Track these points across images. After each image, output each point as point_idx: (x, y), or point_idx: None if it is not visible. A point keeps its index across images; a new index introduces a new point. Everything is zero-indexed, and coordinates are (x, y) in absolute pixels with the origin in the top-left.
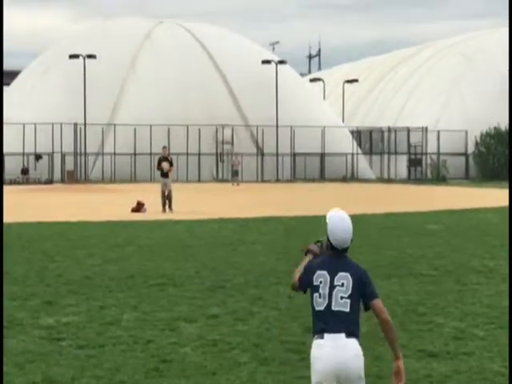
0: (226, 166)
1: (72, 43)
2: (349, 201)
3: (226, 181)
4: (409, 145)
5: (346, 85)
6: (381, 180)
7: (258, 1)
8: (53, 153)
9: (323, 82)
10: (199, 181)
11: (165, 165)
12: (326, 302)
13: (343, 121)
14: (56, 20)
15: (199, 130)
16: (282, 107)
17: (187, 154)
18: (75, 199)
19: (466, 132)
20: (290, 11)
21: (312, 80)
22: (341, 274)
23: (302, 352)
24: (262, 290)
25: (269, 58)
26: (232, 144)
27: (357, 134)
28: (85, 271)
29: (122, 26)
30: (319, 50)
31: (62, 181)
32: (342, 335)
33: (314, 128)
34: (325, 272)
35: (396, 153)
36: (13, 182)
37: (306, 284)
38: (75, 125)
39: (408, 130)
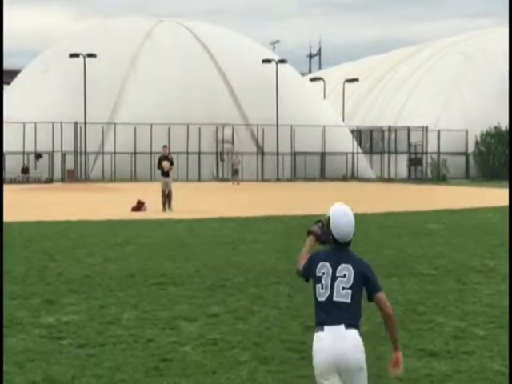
0: (226, 165)
1: (72, 42)
2: (349, 200)
3: (227, 180)
4: (409, 144)
5: (346, 84)
6: (381, 179)
7: (258, 0)
8: (53, 152)
9: (323, 81)
10: (199, 180)
11: (165, 164)
12: (328, 292)
13: (343, 120)
14: (56, 19)
15: (199, 129)
16: (282, 106)
17: (187, 153)
18: (75, 198)
19: (467, 131)
20: (291, 10)
21: (312, 79)
22: (343, 265)
23: (302, 351)
24: (262, 289)
25: (269, 57)
26: (232, 143)
27: (357, 134)
28: (85, 270)
29: (122, 25)
30: (319, 50)
31: (63, 180)
32: (341, 326)
33: (315, 127)
34: (327, 263)
35: (396, 152)
36: (13, 181)
37: (308, 274)
38: (75, 124)
39: (408, 129)
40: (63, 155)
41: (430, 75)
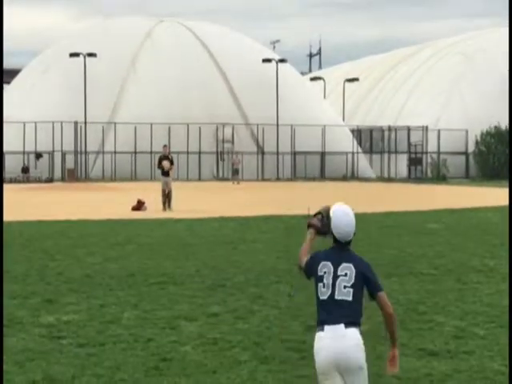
0: (226, 165)
1: (72, 42)
2: (349, 200)
3: (227, 179)
4: (409, 144)
5: (346, 84)
6: (381, 179)
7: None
8: (53, 151)
9: (324, 80)
10: (199, 179)
11: (165, 163)
12: (330, 291)
13: (343, 120)
14: (56, 19)
15: (200, 128)
16: (282, 106)
17: (187, 152)
18: (75, 198)
19: (467, 131)
20: (291, 10)
21: (312, 79)
22: (344, 264)
23: (303, 350)
24: (263, 288)
25: (269, 57)
26: (232, 142)
27: (357, 133)
28: (85, 269)
29: (122, 24)
30: (320, 49)
31: (63, 179)
32: (341, 326)
33: (315, 127)
34: (329, 263)
35: (396, 152)
36: (13, 181)
37: (310, 273)
38: (76, 123)
39: (408, 129)
40: (63, 155)
41: (430, 75)
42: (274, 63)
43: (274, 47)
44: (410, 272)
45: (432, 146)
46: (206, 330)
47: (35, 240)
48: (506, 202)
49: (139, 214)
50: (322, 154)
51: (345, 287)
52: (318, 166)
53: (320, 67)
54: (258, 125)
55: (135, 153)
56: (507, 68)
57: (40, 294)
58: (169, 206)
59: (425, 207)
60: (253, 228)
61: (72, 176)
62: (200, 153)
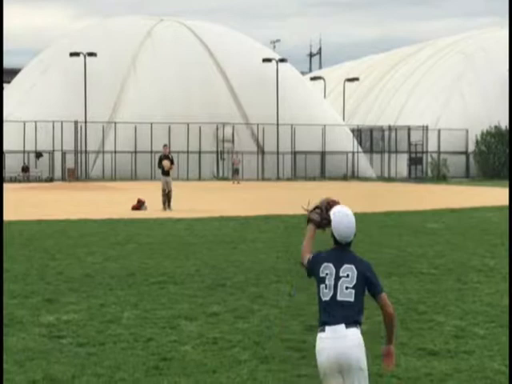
0: (226, 164)
1: (72, 41)
2: (349, 199)
3: (227, 179)
4: (409, 143)
5: (346, 83)
6: (381, 178)
7: None
8: (53, 151)
9: (324, 80)
10: (200, 179)
11: (166, 163)
12: (332, 292)
13: (344, 119)
14: (56, 18)
15: (200, 128)
16: (282, 105)
17: (188, 152)
18: (76, 197)
19: (467, 131)
20: (291, 9)
21: (313, 78)
22: (346, 265)
23: (303, 350)
24: (263, 288)
25: (269, 57)
26: (232, 142)
27: (357, 133)
28: (85, 269)
29: (122, 24)
30: (320, 49)
31: (63, 179)
32: (342, 326)
33: (315, 126)
34: (330, 264)
35: (396, 151)
36: (13, 180)
37: (311, 274)
38: (76, 123)
39: (408, 128)
40: (63, 154)
41: (430, 74)
42: (274, 63)
43: (275, 47)
44: (410, 272)
45: (432, 146)
46: (206, 330)
47: (35, 239)
48: (506, 202)
49: (139, 214)
50: (323, 154)
51: (347, 288)
52: (319, 166)
53: (320, 67)
54: (258, 124)
55: (135, 152)
56: (507, 68)
57: (40, 293)
58: (169, 205)
59: (425, 207)
60: (253, 227)
61: (72, 175)
62: (200, 152)
